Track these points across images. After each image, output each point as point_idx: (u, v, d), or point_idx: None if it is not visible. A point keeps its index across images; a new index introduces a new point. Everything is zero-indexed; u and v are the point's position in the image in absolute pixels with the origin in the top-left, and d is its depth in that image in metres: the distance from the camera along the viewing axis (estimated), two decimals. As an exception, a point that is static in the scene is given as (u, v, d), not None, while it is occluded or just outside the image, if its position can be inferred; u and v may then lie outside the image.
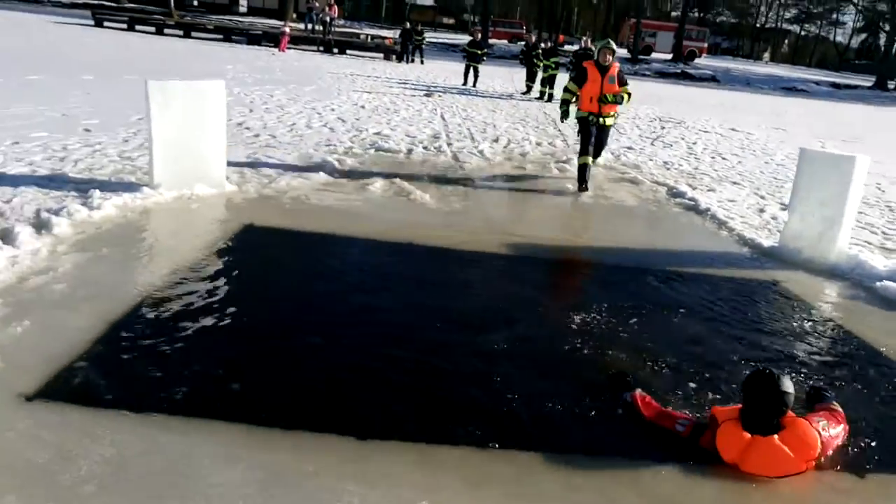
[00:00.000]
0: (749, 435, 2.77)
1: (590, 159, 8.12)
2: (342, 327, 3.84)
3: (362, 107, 13.42)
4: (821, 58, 75.70)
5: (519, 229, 6.38)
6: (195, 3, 46.35)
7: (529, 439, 2.91)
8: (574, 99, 8.26)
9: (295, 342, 3.62)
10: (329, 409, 3.01)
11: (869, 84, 47.43)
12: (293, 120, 10.89)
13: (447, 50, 40.40)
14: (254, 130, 9.62)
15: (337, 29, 34.81)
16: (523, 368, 3.51)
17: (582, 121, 8.19)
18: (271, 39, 29.79)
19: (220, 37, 30.42)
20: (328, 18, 32.00)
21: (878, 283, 5.44)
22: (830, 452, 2.89)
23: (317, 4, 34.85)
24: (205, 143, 6.11)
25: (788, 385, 2.84)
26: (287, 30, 29.58)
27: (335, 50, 30.59)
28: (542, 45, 20.84)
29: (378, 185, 7.31)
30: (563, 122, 8.72)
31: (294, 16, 41.59)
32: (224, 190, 6.29)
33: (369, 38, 35.37)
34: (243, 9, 49.48)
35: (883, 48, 56.71)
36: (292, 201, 6.36)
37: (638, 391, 3.21)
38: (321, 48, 30.61)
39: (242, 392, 3.07)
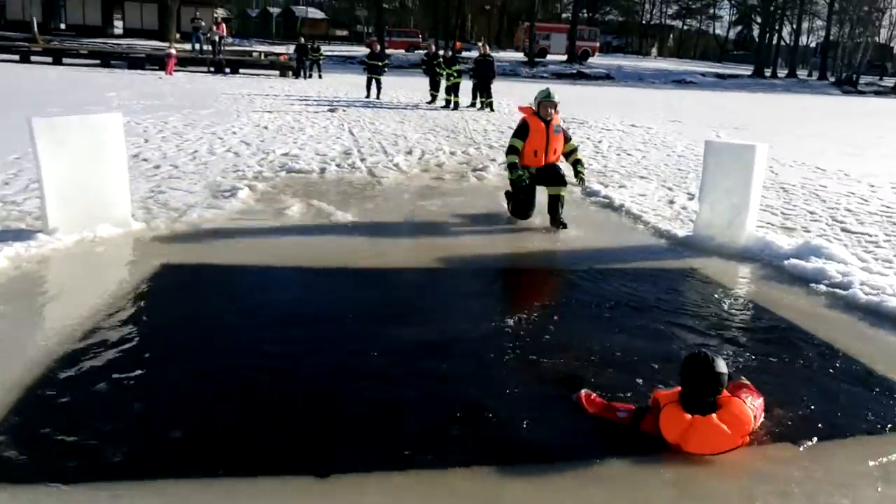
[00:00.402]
0: (689, 416, 2.89)
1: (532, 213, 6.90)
2: (284, 360, 3.60)
3: (265, 127, 12.95)
4: (703, 50, 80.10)
5: (447, 241, 6.23)
6: (62, 26, 43.46)
7: (496, 455, 2.84)
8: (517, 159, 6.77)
9: (232, 383, 3.36)
10: (283, 449, 2.81)
11: (749, 73, 50.43)
12: (194, 147, 10.35)
13: (344, 62, 40.05)
14: (153, 162, 9.05)
15: (227, 48, 33.72)
16: (472, 382, 3.46)
17: (517, 182, 6.75)
18: (156, 62, 28.42)
19: (97, 62, 28.79)
20: (217, 38, 30.94)
21: (785, 262, 5.75)
22: (758, 425, 3.06)
23: (203, 23, 33.69)
24: (104, 180, 5.62)
25: (722, 365, 2.98)
26: (173, 51, 28.31)
27: (227, 70, 29.61)
28: (442, 53, 20.91)
29: (296, 208, 7.00)
30: (519, 186, 6.78)
31: (178, 36, 39.91)
32: (131, 228, 5.81)
33: (262, 55, 34.48)
34: (118, 31, 46.71)
35: (757, 39, 60.51)
36: (207, 234, 5.96)
37: (584, 391, 3.28)
38: (212, 69, 29.58)
39: (186, 443, 2.81)
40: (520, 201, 6.85)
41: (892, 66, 61.29)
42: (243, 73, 29.56)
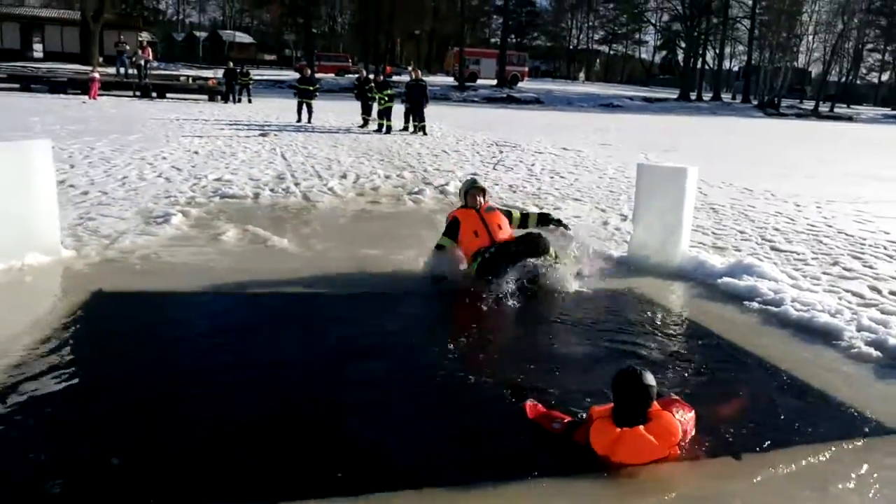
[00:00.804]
0: (618, 429, 2.97)
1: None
2: (219, 388, 3.57)
3: (196, 152, 12.79)
4: (630, 74, 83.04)
5: (387, 265, 6.20)
6: (-25, 49, 41.80)
7: (447, 475, 2.87)
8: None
9: (167, 412, 3.30)
10: (222, 479, 2.78)
11: (675, 96, 52.52)
12: (123, 173, 10.14)
13: (273, 87, 39.80)
14: (80, 188, 8.83)
15: (153, 72, 33.05)
16: (415, 403, 3.52)
17: (483, 266, 5.63)
18: (79, 86, 27.67)
19: (17, 86, 27.89)
20: (142, 61, 30.32)
21: (719, 281, 5.94)
22: (689, 437, 3.14)
23: (127, 47, 32.97)
24: (32, 207, 5.47)
25: (651, 379, 3.08)
26: (97, 75, 27.59)
27: (154, 94, 29.05)
28: (373, 77, 21.11)
29: (231, 234, 6.94)
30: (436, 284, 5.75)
31: (101, 60, 38.84)
32: (60, 256, 5.66)
33: (190, 79, 33.95)
34: (38, 54, 45.11)
35: (682, 63, 63.18)
36: (141, 261, 5.86)
37: (529, 400, 3.40)
38: (138, 93, 28.96)
39: (120, 474, 2.76)
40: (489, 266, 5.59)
41: (810, 90, 64.71)
42: (171, 98, 29.06)
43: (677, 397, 3.40)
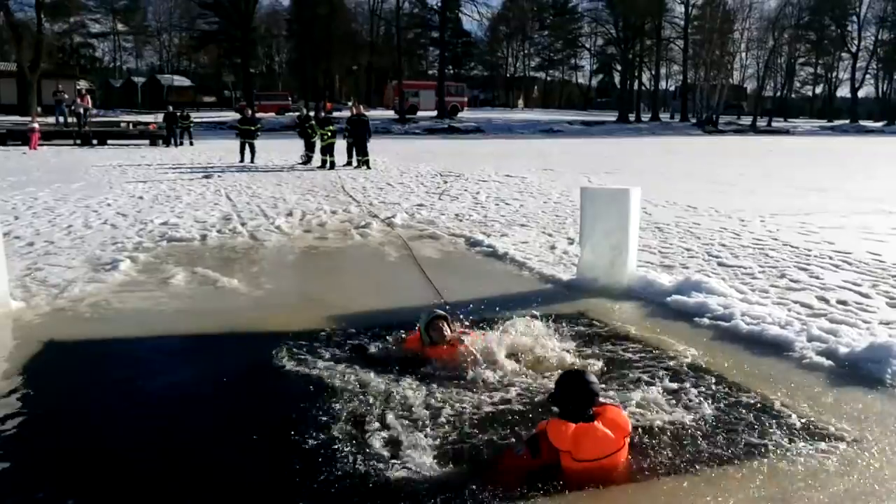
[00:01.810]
0: (574, 424, 3.09)
1: None
2: (174, 435, 3.63)
3: (140, 197, 12.80)
4: (568, 99, 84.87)
5: (338, 300, 6.29)
6: None
7: None
8: None
9: (121, 461, 3.35)
10: None
11: (614, 119, 53.94)
12: (68, 222, 10.12)
13: (214, 128, 39.68)
14: (26, 239, 8.80)
15: (92, 119, 32.67)
16: (369, 444, 3.46)
17: None
18: (18, 138, 27.30)
19: (-46, 139, 27.29)
20: (82, 109, 29.99)
21: (668, 299, 6.07)
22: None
23: (66, 96, 32.62)
24: (-22, 261, 5.54)
25: (594, 378, 3.28)
26: (36, 126, 27.29)
27: (94, 141, 28.74)
28: (314, 114, 21.32)
29: (180, 277, 7.01)
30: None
31: (39, 110, 38.28)
32: (10, 308, 5.69)
33: (131, 125, 33.64)
34: (-25, 107, 44.62)
35: (619, 86, 65.02)
36: (92, 309, 5.92)
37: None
38: (78, 141, 28.60)
39: None
40: None
41: (747, 106, 66.74)
42: (112, 144, 28.81)
43: (615, 404, 3.52)
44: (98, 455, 3.43)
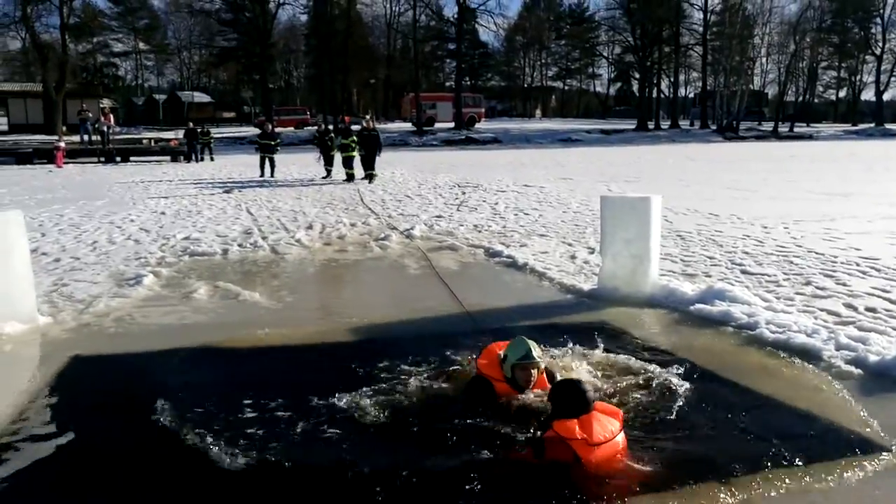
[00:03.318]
0: (575, 419, 3.24)
1: None
2: (211, 447, 3.61)
3: (163, 213, 12.97)
4: (586, 108, 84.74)
5: (357, 312, 6.30)
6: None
7: None
8: None
9: (155, 474, 3.38)
10: None
11: (633, 127, 53.63)
12: (93, 238, 10.28)
13: (234, 144, 40.12)
14: (52, 255, 8.96)
15: (115, 136, 33.21)
16: (402, 454, 3.49)
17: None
18: (44, 156, 27.74)
19: (-16, 160, 27.81)
20: (105, 127, 30.47)
21: (691, 307, 6.03)
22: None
23: (90, 115, 33.09)
24: (8, 277, 5.63)
25: (589, 387, 3.46)
26: (62, 144, 27.81)
27: (118, 159, 29.15)
28: (332, 127, 21.38)
29: (202, 291, 7.09)
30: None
31: (65, 129, 39.04)
32: (38, 324, 5.80)
33: (152, 141, 34.10)
34: (3, 127, 45.65)
35: (637, 93, 64.71)
36: (116, 323, 6.01)
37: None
38: (102, 159, 29.02)
39: None
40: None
41: (768, 111, 66.25)
42: (134, 161, 29.21)
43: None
44: (123, 468, 3.46)
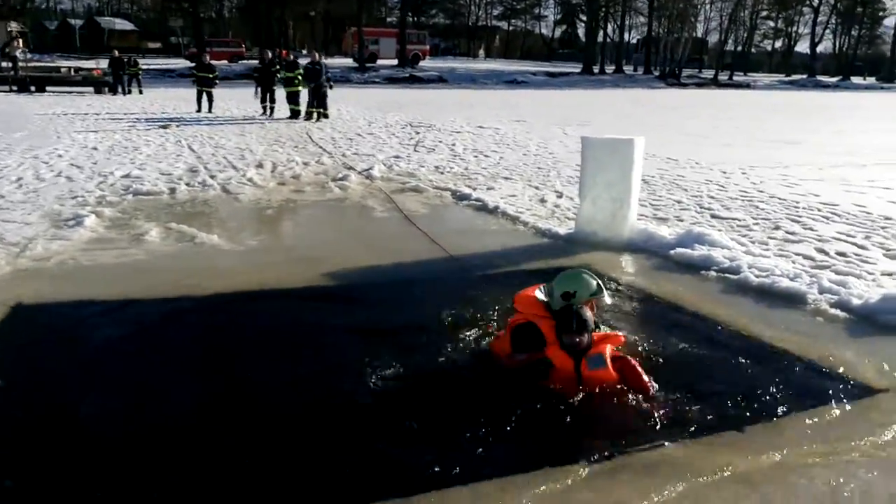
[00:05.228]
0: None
1: None
2: (166, 403, 3.24)
3: (94, 148, 11.98)
4: (529, 50, 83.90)
5: (325, 255, 5.86)
6: None
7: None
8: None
9: (105, 426, 3.00)
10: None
11: (578, 70, 53.56)
12: (16, 174, 9.32)
13: (163, 76, 38.04)
14: (-28, 194, 8.07)
15: (28, 63, 30.72)
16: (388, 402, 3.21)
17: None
18: (-52, 84, 25.58)
19: None
20: (17, 53, 28.19)
21: (671, 252, 5.91)
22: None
23: (-2, 39, 30.58)
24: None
25: (589, 314, 3.40)
26: (-34, 70, 25.62)
27: (32, 88, 27.16)
28: (277, 59, 20.30)
29: (154, 233, 6.46)
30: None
31: (-31, 55, 35.92)
32: (-33, 270, 5.13)
33: (72, 70, 31.79)
34: None
35: (583, 37, 64.44)
36: (60, 267, 5.36)
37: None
38: (14, 87, 26.96)
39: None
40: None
41: (708, 59, 67.41)
42: (52, 91, 27.23)
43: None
44: (70, 429, 3.01)
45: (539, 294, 3.71)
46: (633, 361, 3.39)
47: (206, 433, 3.00)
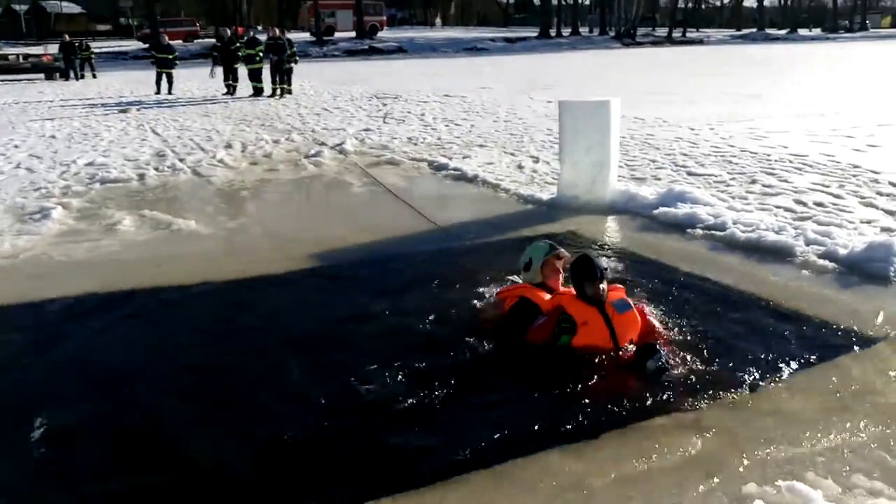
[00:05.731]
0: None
1: None
2: (155, 398, 3.12)
3: (53, 137, 11.54)
4: (486, 16, 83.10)
5: (309, 234, 5.71)
6: None
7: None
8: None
9: (89, 428, 2.88)
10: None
11: (535, 35, 53.14)
12: (-29, 168, 8.97)
13: (116, 59, 36.90)
14: (-76, 189, 7.70)
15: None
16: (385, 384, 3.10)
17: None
18: None
19: None
20: (-39, 41, 27.12)
21: (655, 212, 5.89)
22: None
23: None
24: None
25: (603, 262, 3.56)
26: None
27: (-23, 77, 26.11)
28: (234, 36, 19.71)
29: (128, 222, 6.23)
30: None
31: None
32: (-65, 271, 4.89)
33: (20, 57, 30.61)
34: None
35: (538, 1, 63.84)
36: (31, 263, 5.14)
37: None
38: (-42, 77, 25.94)
39: None
40: None
41: (660, 18, 67.55)
42: (0, 80, 26.17)
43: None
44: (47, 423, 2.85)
45: (517, 279, 3.89)
46: (643, 307, 3.47)
47: (197, 425, 2.90)
